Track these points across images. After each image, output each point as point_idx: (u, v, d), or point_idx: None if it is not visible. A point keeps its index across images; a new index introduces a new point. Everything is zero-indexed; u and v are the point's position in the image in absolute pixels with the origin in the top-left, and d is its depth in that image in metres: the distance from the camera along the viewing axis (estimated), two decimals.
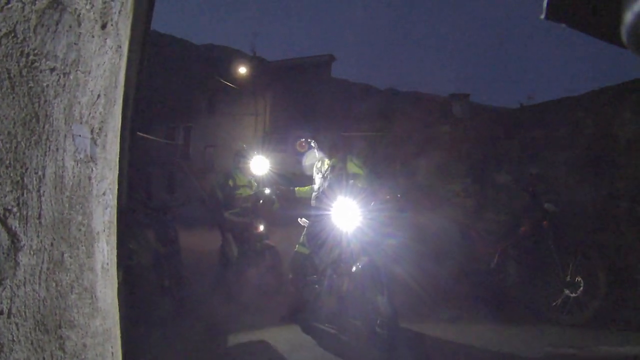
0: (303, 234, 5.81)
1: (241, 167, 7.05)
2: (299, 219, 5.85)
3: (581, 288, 5.54)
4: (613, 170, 6.41)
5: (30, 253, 1.44)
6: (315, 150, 5.80)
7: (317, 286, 5.84)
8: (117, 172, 2.16)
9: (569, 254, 5.72)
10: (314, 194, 5.77)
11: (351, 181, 5.41)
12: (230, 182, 6.91)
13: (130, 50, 2.35)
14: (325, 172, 5.69)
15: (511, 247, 6.25)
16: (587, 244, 6.20)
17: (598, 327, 5.31)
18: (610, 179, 6.42)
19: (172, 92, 31.13)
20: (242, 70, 27.95)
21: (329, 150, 5.72)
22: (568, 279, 5.63)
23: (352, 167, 5.55)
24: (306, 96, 26.55)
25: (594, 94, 6.96)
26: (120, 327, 2.22)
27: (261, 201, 6.56)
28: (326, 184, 5.58)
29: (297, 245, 5.83)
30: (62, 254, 1.61)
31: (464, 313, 6.28)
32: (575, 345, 4.86)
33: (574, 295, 5.57)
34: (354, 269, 4.97)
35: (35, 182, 1.46)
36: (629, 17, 0.79)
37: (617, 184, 6.32)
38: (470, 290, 6.45)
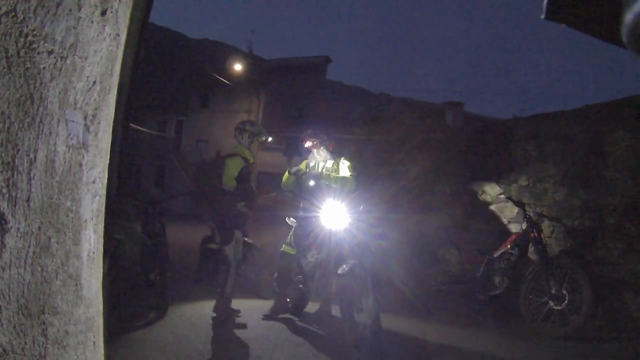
0: (290, 233, 5.81)
1: (251, 148, 5.89)
2: (287, 219, 5.84)
3: (566, 301, 5.57)
4: (602, 186, 6.46)
5: (17, 235, 1.42)
6: (314, 150, 5.78)
7: (302, 286, 5.85)
8: (107, 161, 2.15)
9: (555, 266, 5.75)
10: (302, 192, 5.73)
11: (342, 184, 5.42)
12: (244, 165, 5.68)
13: (127, 40, 2.34)
14: (319, 172, 5.70)
15: (497, 257, 6.28)
16: (574, 257, 6.24)
17: (580, 341, 5.35)
18: (599, 195, 6.47)
19: (165, 85, 31.13)
20: (238, 67, 27.94)
21: (326, 151, 5.73)
22: (553, 291, 5.66)
23: (344, 169, 5.56)
24: (300, 96, 26.61)
25: (586, 109, 7.01)
26: (104, 316, 2.21)
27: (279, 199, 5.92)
28: (317, 184, 5.58)
29: (283, 245, 5.83)
30: (49, 239, 1.60)
31: (448, 318, 6.31)
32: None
33: (558, 308, 5.60)
34: (340, 270, 4.97)
35: (26, 165, 1.44)
36: (629, 17, 0.79)
37: (606, 200, 6.36)
38: (455, 297, 6.48)
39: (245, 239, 6.30)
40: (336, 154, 5.80)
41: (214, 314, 5.51)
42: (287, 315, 5.92)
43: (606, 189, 6.40)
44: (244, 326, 5.33)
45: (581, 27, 1.09)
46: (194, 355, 4.40)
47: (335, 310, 5.61)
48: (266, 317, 5.78)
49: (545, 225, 6.69)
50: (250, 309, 6.05)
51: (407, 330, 5.76)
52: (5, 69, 1.33)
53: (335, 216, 5.26)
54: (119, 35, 2.02)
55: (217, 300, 5.61)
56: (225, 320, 5.39)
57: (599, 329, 5.67)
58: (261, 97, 28.06)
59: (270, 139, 6.10)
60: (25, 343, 1.49)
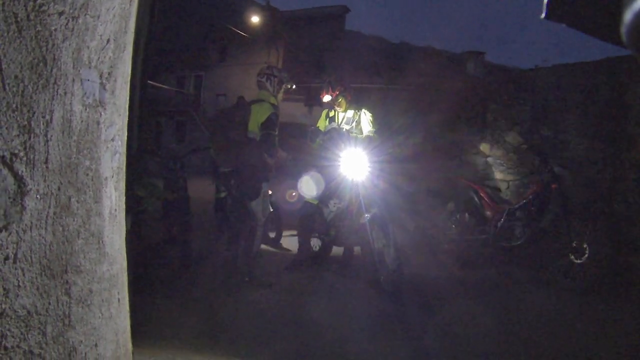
0: None
1: (277, 95, 5.33)
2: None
3: (586, 255, 5.52)
4: (623, 140, 6.34)
5: (36, 197, 1.44)
6: (332, 99, 5.69)
7: (324, 236, 5.89)
8: (126, 118, 2.15)
9: (576, 219, 5.70)
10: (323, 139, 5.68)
11: (363, 134, 5.39)
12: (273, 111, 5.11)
13: None
14: (340, 122, 5.67)
15: (518, 208, 6.23)
16: (595, 211, 6.18)
17: (599, 295, 5.34)
18: (620, 148, 6.35)
19: (183, 41, 30.98)
20: (255, 19, 27.69)
21: (345, 102, 5.67)
22: (574, 244, 5.61)
23: (366, 123, 5.52)
24: (319, 47, 26.36)
25: (610, 61, 6.82)
26: (128, 273, 2.24)
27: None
28: (339, 134, 5.55)
29: None
30: (69, 199, 1.61)
31: (469, 268, 6.34)
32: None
33: (578, 261, 5.56)
34: (362, 220, 4.99)
35: (42, 126, 1.45)
36: (629, 17, 0.77)
37: (627, 154, 6.25)
38: (476, 248, 6.47)
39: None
40: (355, 104, 5.73)
41: (239, 272, 5.47)
42: (309, 265, 5.99)
43: (627, 142, 6.28)
44: (268, 283, 5.31)
45: (581, 27, 1.07)
46: (218, 311, 4.47)
47: (357, 260, 5.65)
48: (289, 268, 5.85)
49: (567, 177, 6.61)
50: (273, 259, 6.12)
51: (425, 278, 5.82)
52: (16, 33, 1.32)
53: (357, 166, 5.25)
54: None
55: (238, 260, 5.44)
56: (250, 280, 5.34)
57: (618, 284, 5.64)
58: (280, 49, 27.86)
59: (294, 86, 5.72)
60: (49, 303, 1.52)
